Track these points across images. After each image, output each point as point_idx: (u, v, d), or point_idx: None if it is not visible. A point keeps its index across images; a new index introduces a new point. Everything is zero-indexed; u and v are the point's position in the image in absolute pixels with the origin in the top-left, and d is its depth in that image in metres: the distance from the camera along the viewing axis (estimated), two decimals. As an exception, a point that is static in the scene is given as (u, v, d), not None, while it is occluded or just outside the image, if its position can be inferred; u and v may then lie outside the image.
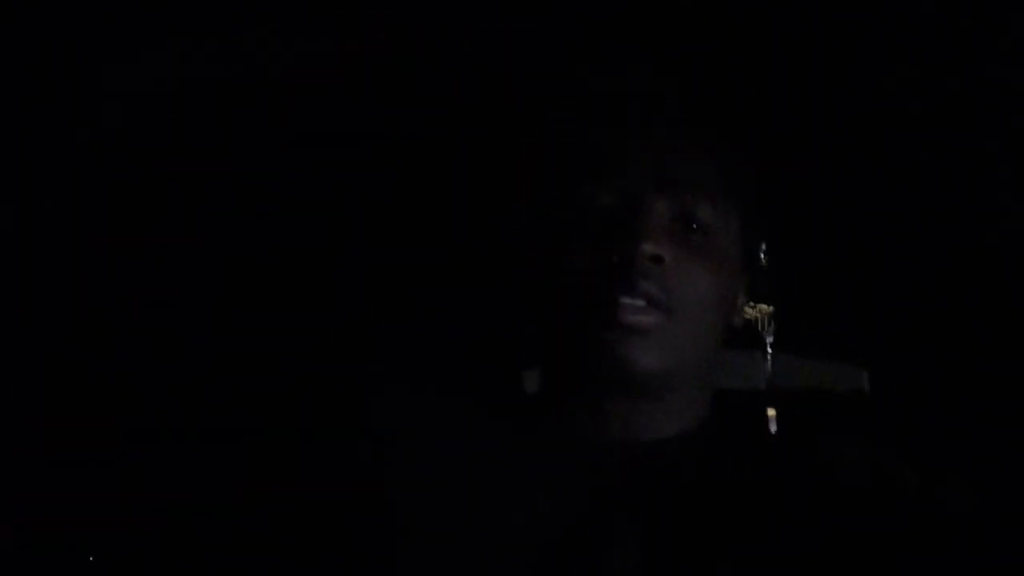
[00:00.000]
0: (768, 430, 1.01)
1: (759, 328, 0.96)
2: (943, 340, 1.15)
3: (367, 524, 0.77)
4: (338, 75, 1.16)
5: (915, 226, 1.12)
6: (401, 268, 1.23)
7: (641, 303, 0.77)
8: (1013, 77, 1.04)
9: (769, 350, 1.15)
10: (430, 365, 1.10)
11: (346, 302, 1.24)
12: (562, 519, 0.76)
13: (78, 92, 1.15)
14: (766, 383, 1.16)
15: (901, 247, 1.14)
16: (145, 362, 1.23)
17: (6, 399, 1.18)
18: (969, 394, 1.12)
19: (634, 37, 1.08)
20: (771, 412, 1.06)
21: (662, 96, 0.90)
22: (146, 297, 1.24)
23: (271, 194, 1.24)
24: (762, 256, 0.91)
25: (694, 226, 0.80)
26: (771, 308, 0.91)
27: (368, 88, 1.18)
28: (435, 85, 1.15)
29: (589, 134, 0.86)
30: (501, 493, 0.77)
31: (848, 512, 0.75)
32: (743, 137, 0.90)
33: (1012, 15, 1.03)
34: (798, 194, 1.10)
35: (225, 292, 1.25)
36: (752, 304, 0.92)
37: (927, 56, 1.06)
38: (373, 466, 0.79)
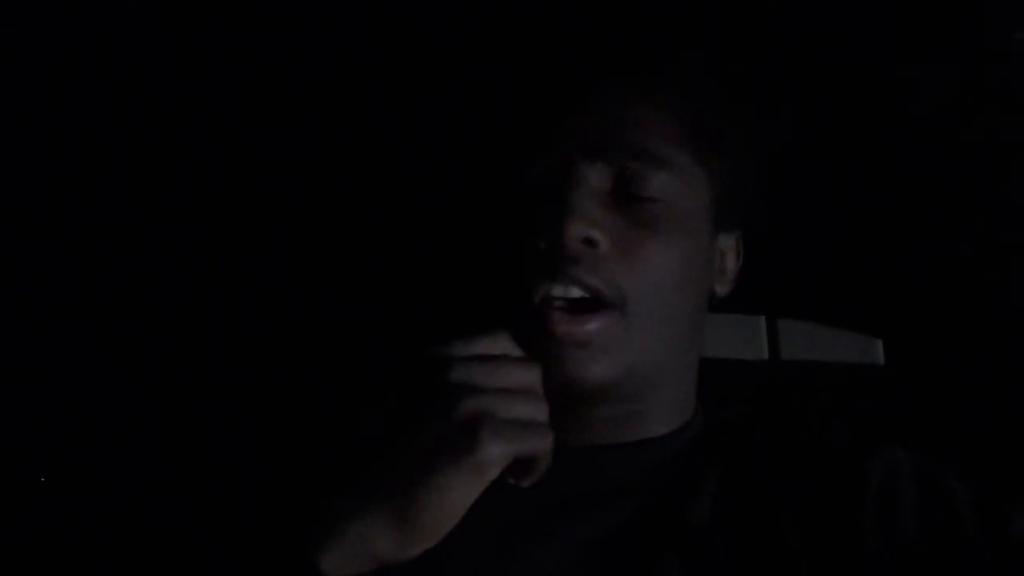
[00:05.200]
0: (779, 417, 0.90)
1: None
2: (968, 308, 1.03)
3: None
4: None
5: (937, 173, 1.00)
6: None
7: (577, 294, 0.65)
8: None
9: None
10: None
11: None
12: (540, 527, 0.66)
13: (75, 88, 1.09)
14: (768, 353, 1.07)
15: (919, 195, 1.02)
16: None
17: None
18: (997, 370, 1.01)
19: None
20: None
21: (598, 47, 0.76)
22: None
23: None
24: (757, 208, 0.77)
25: (642, 197, 0.67)
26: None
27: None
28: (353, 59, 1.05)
29: (513, 101, 0.73)
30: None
31: (889, 524, 0.64)
32: (717, 78, 0.78)
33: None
34: (797, 138, 0.99)
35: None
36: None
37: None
38: None
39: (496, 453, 0.56)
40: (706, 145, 0.71)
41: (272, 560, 0.57)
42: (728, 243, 0.75)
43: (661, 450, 0.71)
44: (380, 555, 0.56)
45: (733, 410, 0.77)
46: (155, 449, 1.09)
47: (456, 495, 0.57)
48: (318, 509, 0.58)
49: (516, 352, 0.61)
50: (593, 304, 0.66)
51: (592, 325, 0.65)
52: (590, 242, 0.65)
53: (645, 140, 0.68)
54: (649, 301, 0.66)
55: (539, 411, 0.59)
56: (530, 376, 0.60)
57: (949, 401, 0.98)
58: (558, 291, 0.65)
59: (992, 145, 0.97)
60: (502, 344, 0.61)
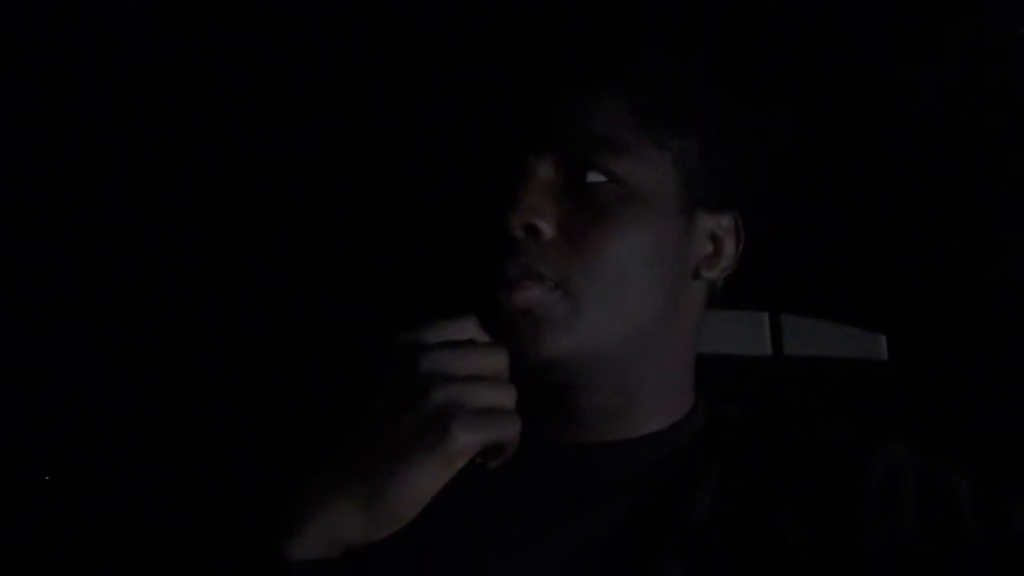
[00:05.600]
0: (781, 413, 0.90)
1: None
2: (970, 304, 1.04)
3: None
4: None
5: (939, 167, 1.00)
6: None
7: (528, 283, 0.66)
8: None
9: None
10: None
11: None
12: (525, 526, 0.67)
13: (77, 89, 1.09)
14: (772, 349, 1.07)
15: (920, 187, 1.02)
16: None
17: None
18: (999, 367, 1.01)
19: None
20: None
21: (545, 39, 0.78)
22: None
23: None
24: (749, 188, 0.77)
25: (594, 183, 0.68)
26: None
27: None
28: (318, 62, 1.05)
29: (464, 100, 0.76)
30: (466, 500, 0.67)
31: (891, 523, 0.63)
32: (692, 59, 0.78)
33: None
34: (796, 126, 0.98)
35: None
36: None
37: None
38: None
39: (467, 443, 0.57)
40: (665, 127, 0.70)
41: (239, 547, 0.59)
42: (722, 224, 0.74)
43: (658, 447, 0.71)
44: (347, 540, 0.58)
45: (736, 406, 0.76)
46: (125, 439, 1.10)
47: (425, 483, 0.58)
48: (287, 496, 0.59)
49: (483, 337, 0.63)
50: (534, 287, 0.67)
51: (533, 292, 0.66)
52: (533, 230, 0.67)
53: (594, 127, 0.69)
54: (600, 284, 0.67)
55: (507, 397, 0.60)
56: (498, 362, 0.61)
57: (951, 397, 0.98)
58: (507, 279, 0.66)
59: (992, 144, 0.97)
60: (469, 329, 0.62)
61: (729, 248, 0.75)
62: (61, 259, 1.18)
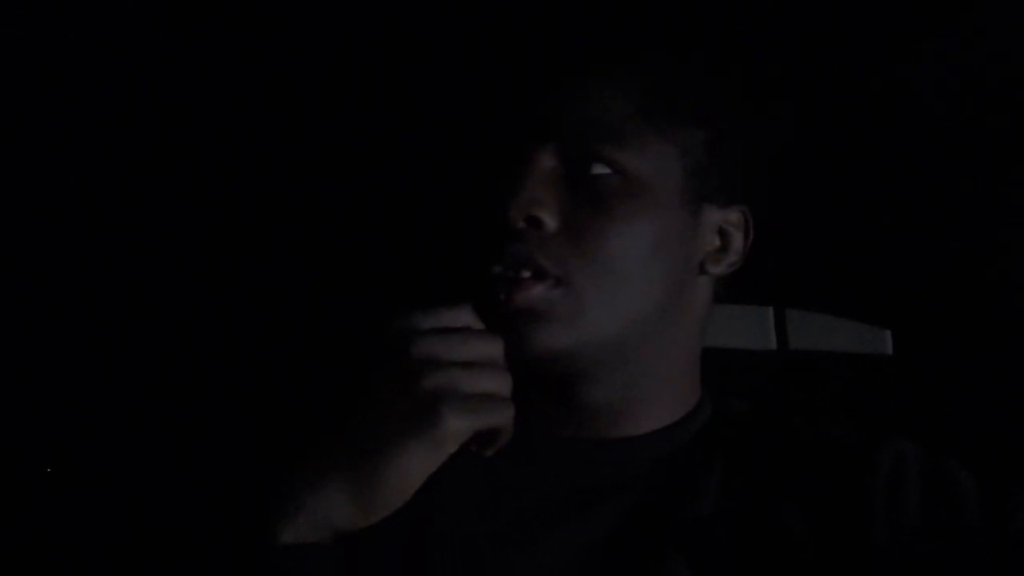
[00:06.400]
0: (786, 408, 0.90)
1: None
2: (975, 299, 1.04)
3: None
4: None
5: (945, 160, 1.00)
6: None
7: (525, 273, 0.66)
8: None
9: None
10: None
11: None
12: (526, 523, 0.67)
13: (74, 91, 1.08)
14: (776, 343, 1.07)
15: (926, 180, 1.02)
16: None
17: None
18: (1004, 362, 1.02)
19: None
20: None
21: (549, 30, 0.78)
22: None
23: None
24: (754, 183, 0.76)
25: (597, 174, 0.67)
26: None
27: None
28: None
29: (466, 89, 0.76)
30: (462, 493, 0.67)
31: (898, 523, 0.64)
32: (696, 52, 0.78)
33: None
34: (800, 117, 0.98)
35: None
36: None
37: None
38: None
39: (457, 427, 0.57)
40: (669, 119, 0.70)
41: (229, 530, 0.58)
42: (730, 218, 0.74)
43: (663, 443, 0.71)
44: (337, 525, 0.57)
45: (740, 401, 0.76)
46: (114, 424, 1.10)
47: (415, 468, 0.57)
48: (277, 481, 0.58)
49: (478, 325, 0.62)
50: (540, 279, 0.67)
51: (535, 292, 0.66)
52: (535, 222, 0.67)
53: (597, 118, 0.69)
54: (602, 277, 0.67)
55: (501, 384, 0.60)
56: (492, 349, 0.61)
57: (956, 393, 0.98)
58: (508, 271, 0.67)
59: (992, 144, 0.98)
60: (464, 317, 0.62)
61: (737, 243, 0.74)
62: (61, 259, 1.18)
